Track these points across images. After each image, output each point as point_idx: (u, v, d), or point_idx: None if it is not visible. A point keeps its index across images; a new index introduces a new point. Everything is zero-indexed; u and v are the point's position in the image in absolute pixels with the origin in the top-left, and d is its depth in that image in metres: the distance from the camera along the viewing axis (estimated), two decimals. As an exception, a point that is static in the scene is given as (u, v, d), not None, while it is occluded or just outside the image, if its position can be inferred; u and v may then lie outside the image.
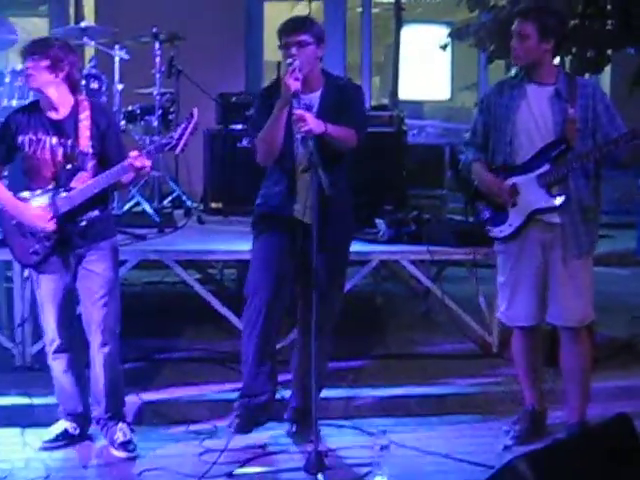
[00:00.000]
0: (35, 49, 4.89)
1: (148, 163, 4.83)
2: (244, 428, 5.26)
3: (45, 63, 4.84)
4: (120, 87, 7.99)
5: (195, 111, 4.93)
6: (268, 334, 5.22)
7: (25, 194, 4.96)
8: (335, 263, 5.14)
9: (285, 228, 5.10)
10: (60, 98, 4.93)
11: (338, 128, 4.94)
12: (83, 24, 8.36)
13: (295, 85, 4.84)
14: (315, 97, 5.06)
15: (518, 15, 5.17)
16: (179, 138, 4.88)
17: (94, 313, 5.00)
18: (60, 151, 4.92)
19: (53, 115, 4.95)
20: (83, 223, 4.93)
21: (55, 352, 5.14)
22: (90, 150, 4.92)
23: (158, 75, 8.05)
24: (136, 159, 4.78)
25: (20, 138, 4.94)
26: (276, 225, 5.13)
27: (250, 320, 5.20)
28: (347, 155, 5.13)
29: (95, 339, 5.03)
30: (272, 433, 5.37)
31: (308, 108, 4.99)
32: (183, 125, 4.90)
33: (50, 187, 4.92)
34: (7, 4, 12.18)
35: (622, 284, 8.96)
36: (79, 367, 5.20)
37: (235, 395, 5.45)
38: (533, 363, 5.37)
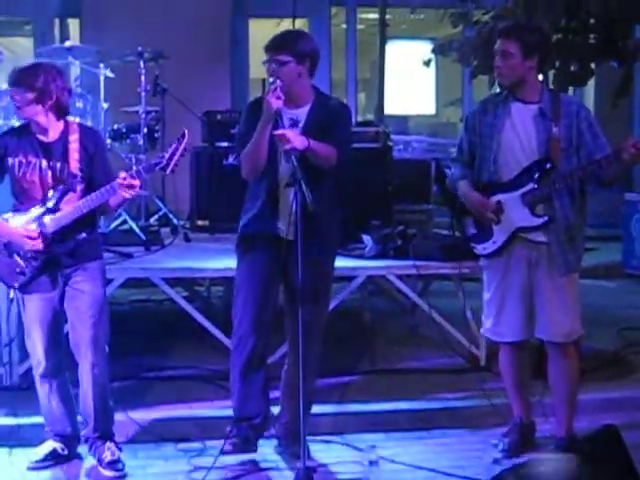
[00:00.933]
0: (21, 80, 4.87)
1: (137, 183, 4.80)
2: (243, 448, 5.23)
3: (31, 96, 4.83)
4: (105, 106, 7.99)
5: (186, 132, 4.94)
6: (258, 357, 5.21)
7: (11, 215, 4.96)
8: (320, 279, 5.11)
9: (268, 247, 5.08)
10: (49, 123, 4.93)
11: (321, 145, 4.94)
12: (68, 43, 8.38)
13: (277, 103, 4.85)
14: (303, 112, 5.07)
15: (500, 34, 5.19)
16: (170, 158, 4.87)
17: (83, 333, 4.98)
18: (49, 174, 4.92)
19: (43, 138, 4.96)
20: (70, 244, 4.93)
21: (42, 375, 5.11)
22: (79, 173, 4.92)
23: (143, 93, 8.07)
24: (125, 180, 4.77)
25: (10, 160, 4.94)
26: (259, 245, 5.12)
27: (238, 346, 5.18)
28: (331, 171, 5.13)
29: (84, 359, 5.01)
30: (261, 449, 5.35)
31: (294, 123, 5.01)
32: (174, 145, 4.89)
33: (39, 209, 4.92)
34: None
35: (608, 297, 9.00)
36: (67, 389, 5.17)
37: (223, 412, 5.45)
38: (521, 378, 5.38)
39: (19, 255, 4.95)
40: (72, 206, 4.87)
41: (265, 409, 5.32)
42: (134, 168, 4.95)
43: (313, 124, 5.04)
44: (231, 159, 7.85)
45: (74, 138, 4.95)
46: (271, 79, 4.95)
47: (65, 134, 4.96)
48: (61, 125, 4.98)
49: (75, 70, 8.65)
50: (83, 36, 11.79)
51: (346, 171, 5.22)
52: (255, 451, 5.27)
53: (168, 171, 4.91)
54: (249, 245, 5.18)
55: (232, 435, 5.19)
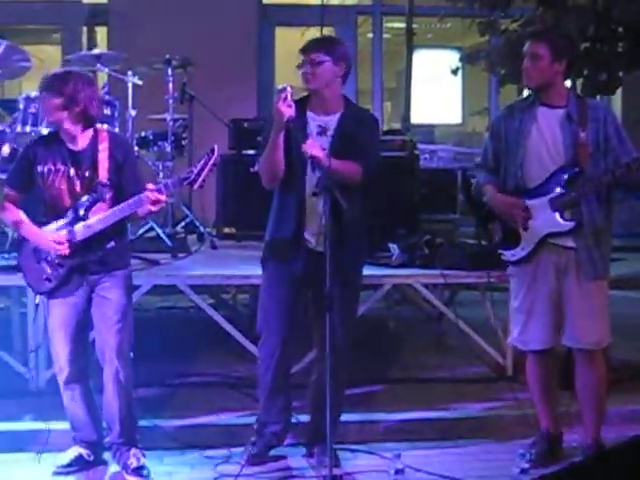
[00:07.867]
0: (50, 85, 4.90)
1: (162, 198, 4.83)
2: (257, 458, 5.23)
3: (59, 101, 4.85)
4: (133, 113, 8.02)
5: (216, 148, 4.94)
6: (284, 370, 5.23)
7: (43, 222, 4.99)
8: (348, 288, 5.08)
9: (295, 258, 5.06)
10: (77, 131, 4.94)
11: (344, 163, 4.87)
12: (96, 51, 8.43)
13: (288, 112, 4.79)
14: (332, 120, 5.04)
15: (531, 36, 5.21)
16: (198, 174, 4.87)
17: (109, 339, 4.99)
18: (78, 183, 4.94)
19: (72, 146, 4.97)
20: (99, 252, 4.95)
21: (66, 382, 5.13)
22: (108, 182, 4.93)
23: (171, 101, 8.10)
24: (152, 192, 4.80)
25: (39, 168, 4.97)
26: (286, 256, 5.09)
27: (266, 357, 5.18)
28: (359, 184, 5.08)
29: (110, 365, 5.02)
30: (288, 458, 5.35)
31: (323, 131, 4.99)
32: (203, 160, 4.89)
33: (68, 217, 4.93)
34: (20, 32, 12.29)
35: (635, 307, 8.92)
36: (90, 395, 5.19)
37: (249, 420, 5.45)
38: (548, 387, 5.34)
39: (46, 262, 4.98)
40: (101, 215, 4.89)
41: (285, 420, 5.32)
42: (161, 179, 4.95)
43: (343, 134, 5.00)
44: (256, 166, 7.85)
45: (103, 147, 4.95)
46: (280, 86, 4.89)
47: (94, 142, 4.97)
48: (90, 133, 4.98)
49: (103, 77, 8.70)
50: (110, 44, 11.86)
51: (372, 180, 5.20)
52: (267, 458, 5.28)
53: (196, 187, 4.90)
54: (275, 256, 5.17)
55: (253, 440, 5.22)
